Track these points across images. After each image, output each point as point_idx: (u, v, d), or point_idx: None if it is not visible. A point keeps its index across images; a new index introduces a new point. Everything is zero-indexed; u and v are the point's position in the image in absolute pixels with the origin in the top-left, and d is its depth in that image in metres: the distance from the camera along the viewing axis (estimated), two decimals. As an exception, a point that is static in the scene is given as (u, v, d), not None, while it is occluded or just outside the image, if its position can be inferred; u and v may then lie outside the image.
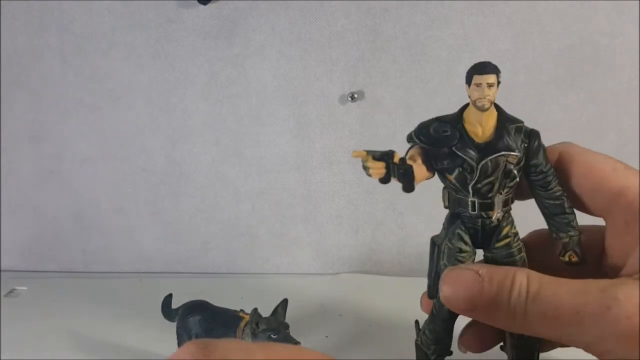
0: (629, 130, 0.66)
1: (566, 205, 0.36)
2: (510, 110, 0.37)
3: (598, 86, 0.66)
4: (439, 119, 0.36)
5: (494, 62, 0.35)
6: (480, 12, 0.65)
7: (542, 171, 0.36)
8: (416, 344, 0.41)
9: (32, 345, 0.56)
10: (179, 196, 0.72)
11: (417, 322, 0.42)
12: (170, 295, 0.53)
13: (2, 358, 0.53)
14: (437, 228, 0.40)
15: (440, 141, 0.35)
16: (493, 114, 0.35)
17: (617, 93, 0.66)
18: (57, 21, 0.69)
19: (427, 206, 0.68)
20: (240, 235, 0.73)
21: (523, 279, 0.31)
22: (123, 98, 0.71)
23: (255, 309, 0.45)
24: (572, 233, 0.36)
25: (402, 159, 0.35)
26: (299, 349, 0.24)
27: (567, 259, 0.37)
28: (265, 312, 0.46)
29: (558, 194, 0.36)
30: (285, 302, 0.47)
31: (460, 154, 0.35)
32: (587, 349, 0.30)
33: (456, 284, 0.33)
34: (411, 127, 0.37)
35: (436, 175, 0.37)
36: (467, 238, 0.37)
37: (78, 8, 0.69)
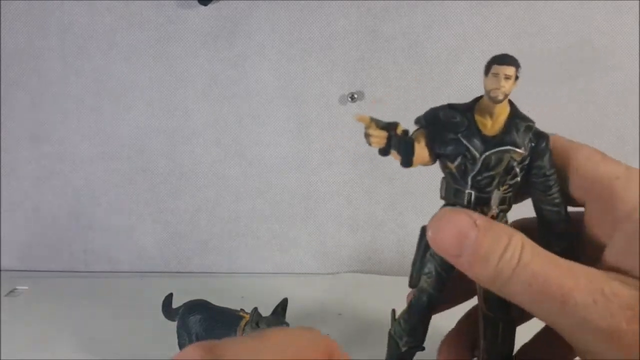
0: (629, 130, 0.66)
1: (563, 213, 0.35)
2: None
3: (598, 86, 0.66)
4: (450, 106, 0.35)
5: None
6: (479, 13, 0.65)
7: (544, 174, 0.35)
8: (389, 334, 0.40)
9: (32, 345, 0.56)
10: (179, 196, 0.72)
11: (393, 311, 0.41)
12: (170, 295, 0.53)
13: (2, 358, 0.53)
14: (437, 228, 0.40)
15: (447, 126, 0.35)
16: (505, 108, 0.35)
17: (616, 93, 0.66)
18: (58, 21, 0.69)
19: (427, 206, 0.68)
20: (240, 235, 0.73)
21: (518, 243, 0.30)
22: (123, 98, 0.71)
23: (256, 309, 0.45)
24: (563, 244, 0.35)
25: (405, 132, 0.34)
26: (300, 333, 0.23)
27: None
28: (265, 312, 0.46)
29: (557, 201, 0.35)
30: (285, 302, 0.48)
31: (464, 141, 0.34)
32: (562, 332, 0.30)
33: (449, 223, 0.32)
34: (411, 127, 0.37)
35: (437, 169, 0.37)
36: None
37: (78, 8, 0.69)
